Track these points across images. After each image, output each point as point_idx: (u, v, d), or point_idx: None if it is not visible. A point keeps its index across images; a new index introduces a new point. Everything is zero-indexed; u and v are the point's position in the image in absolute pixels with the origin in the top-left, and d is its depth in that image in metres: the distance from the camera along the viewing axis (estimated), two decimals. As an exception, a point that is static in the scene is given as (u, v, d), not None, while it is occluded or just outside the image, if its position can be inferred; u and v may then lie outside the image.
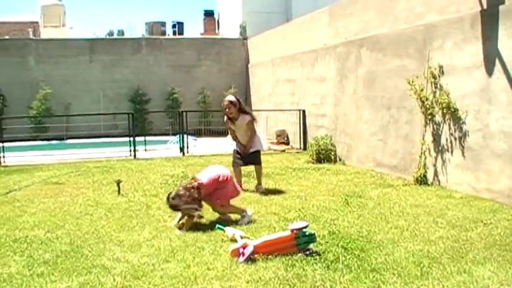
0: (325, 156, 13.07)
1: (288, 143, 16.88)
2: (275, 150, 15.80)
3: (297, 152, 15.30)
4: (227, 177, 7.10)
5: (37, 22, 33.99)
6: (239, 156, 9.44)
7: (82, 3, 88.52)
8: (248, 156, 9.36)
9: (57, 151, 16.23)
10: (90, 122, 20.77)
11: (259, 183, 9.40)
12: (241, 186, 9.43)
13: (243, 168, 9.65)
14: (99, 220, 7.29)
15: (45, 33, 31.24)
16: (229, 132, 9.71)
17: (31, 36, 29.14)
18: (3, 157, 14.32)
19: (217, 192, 7.00)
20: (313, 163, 12.88)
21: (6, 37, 25.50)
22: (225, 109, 9.20)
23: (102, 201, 8.59)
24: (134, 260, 5.42)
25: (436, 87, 9.36)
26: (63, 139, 21.23)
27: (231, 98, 9.27)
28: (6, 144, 14.77)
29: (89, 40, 24.09)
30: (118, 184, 9.37)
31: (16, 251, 5.91)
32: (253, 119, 9.31)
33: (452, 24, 8.97)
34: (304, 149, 15.45)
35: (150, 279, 4.85)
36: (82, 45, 23.05)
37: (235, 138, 9.47)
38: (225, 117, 9.38)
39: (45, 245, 6.13)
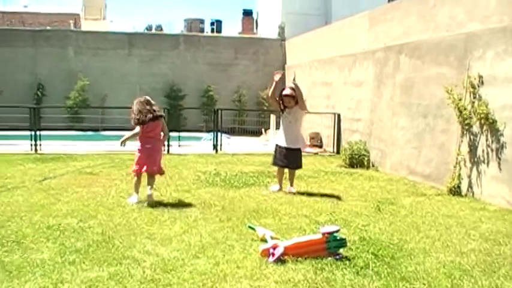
0: (358, 161, 12.99)
1: (321, 146, 16.81)
2: (308, 152, 15.72)
3: (330, 156, 15.25)
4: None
5: (78, 14, 34.52)
6: (280, 155, 9.39)
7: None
8: (290, 154, 9.29)
9: (92, 142, 16.46)
10: (125, 114, 20.77)
11: (291, 185, 9.37)
12: (281, 186, 9.38)
13: None
14: (131, 212, 7.37)
15: (86, 26, 31.70)
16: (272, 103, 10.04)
17: (72, 28, 29.58)
18: (40, 145, 14.60)
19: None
20: (345, 167, 12.82)
21: (48, 28, 25.92)
22: (284, 100, 9.36)
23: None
24: (164, 254, 5.47)
25: (474, 97, 9.24)
26: (98, 130, 21.48)
27: (289, 92, 9.39)
28: (43, 133, 15.05)
29: (128, 34, 24.41)
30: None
31: (49, 237, 6.02)
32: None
33: (494, 33, 8.84)
34: (337, 152, 15.38)
35: (179, 273, 4.90)
36: (121, 39, 23.33)
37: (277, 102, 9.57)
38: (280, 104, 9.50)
39: (78, 233, 6.24)
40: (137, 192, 8.13)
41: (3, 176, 10.16)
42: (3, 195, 8.39)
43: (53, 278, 4.74)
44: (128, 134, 8.26)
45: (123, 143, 8.23)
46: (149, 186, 7.97)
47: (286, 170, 9.54)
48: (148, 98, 8.38)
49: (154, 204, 7.79)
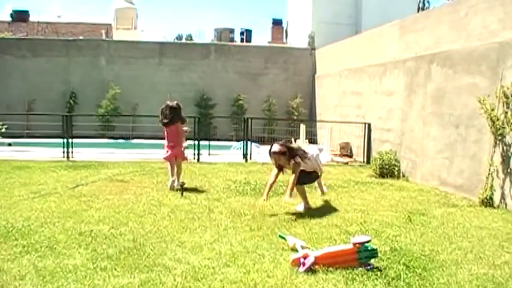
0: (388, 171, 12.89)
1: (351, 156, 16.74)
2: (338, 162, 15.70)
3: (360, 166, 15.15)
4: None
5: (110, 24, 34.95)
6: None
7: (153, 7, 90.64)
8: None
9: (122, 150, 16.63)
10: (156, 123, 20.91)
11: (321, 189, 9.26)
12: (307, 202, 8.95)
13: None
14: (162, 220, 7.44)
15: (118, 35, 32.07)
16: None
17: (104, 37, 29.96)
18: (72, 152, 14.80)
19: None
20: (376, 177, 12.72)
21: (81, 37, 26.29)
22: (275, 160, 8.37)
23: (165, 202, 8.76)
24: (195, 262, 5.51)
25: (508, 107, 9.12)
26: (129, 138, 21.69)
27: (277, 148, 8.29)
28: (75, 141, 15.27)
29: (159, 43, 24.61)
30: (181, 186, 9.55)
31: (81, 244, 6.11)
32: (299, 162, 8.20)
33: (529, 43, 8.73)
34: (368, 162, 15.28)
35: (210, 282, 4.92)
36: (152, 48, 23.53)
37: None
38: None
39: (109, 240, 6.32)
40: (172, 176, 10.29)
41: (37, 183, 10.34)
42: (37, 201, 8.53)
43: (85, 283, 4.81)
44: None
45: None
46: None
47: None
48: (169, 103, 11.23)
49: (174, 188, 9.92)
